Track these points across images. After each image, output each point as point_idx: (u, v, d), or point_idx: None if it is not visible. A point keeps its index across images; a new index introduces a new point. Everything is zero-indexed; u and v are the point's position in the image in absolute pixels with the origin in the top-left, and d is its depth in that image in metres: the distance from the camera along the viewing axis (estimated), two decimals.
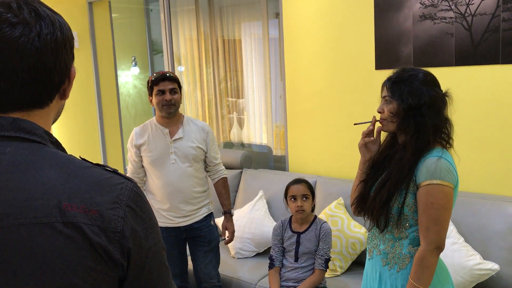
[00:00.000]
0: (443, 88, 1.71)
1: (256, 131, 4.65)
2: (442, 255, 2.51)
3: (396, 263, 1.70)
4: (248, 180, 3.73)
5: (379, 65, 3.22)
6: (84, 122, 4.86)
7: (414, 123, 1.64)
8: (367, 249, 1.85)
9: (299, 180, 2.78)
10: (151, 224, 0.82)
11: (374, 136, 1.83)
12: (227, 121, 4.88)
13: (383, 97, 1.73)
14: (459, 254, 2.55)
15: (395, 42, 3.15)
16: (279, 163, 4.18)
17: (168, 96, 2.69)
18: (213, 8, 4.74)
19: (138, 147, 2.80)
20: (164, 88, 2.69)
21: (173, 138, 2.75)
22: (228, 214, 2.92)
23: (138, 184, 2.84)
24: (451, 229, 2.65)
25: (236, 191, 3.77)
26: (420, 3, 3.02)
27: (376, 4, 3.20)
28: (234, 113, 4.84)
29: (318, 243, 2.67)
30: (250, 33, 4.65)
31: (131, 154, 2.84)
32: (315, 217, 2.77)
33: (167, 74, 2.72)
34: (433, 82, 1.70)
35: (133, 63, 5.71)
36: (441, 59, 2.98)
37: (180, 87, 2.78)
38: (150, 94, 2.75)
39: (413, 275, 1.62)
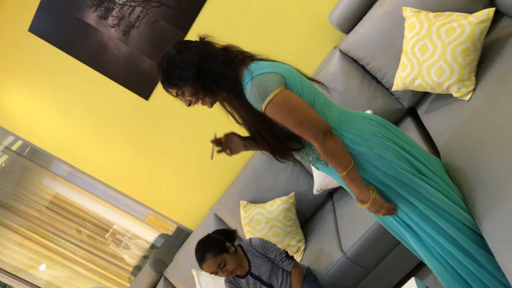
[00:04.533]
0: None
1: None
2: None
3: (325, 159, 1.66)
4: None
5: (145, 94, 3.10)
6: None
7: (210, 80, 1.57)
8: (313, 166, 1.84)
9: (202, 256, 2.32)
10: None
11: (224, 143, 1.78)
12: None
13: (177, 96, 1.64)
14: None
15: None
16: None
17: None
18: None
19: None
20: None
21: None
22: None
23: None
24: None
25: None
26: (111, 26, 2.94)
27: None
28: None
29: (268, 257, 2.47)
30: None
31: None
32: (240, 246, 2.48)
33: None
34: (184, 44, 1.62)
35: None
36: None
37: None
38: None
39: (334, 168, 1.59)
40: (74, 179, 4.12)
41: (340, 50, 2.69)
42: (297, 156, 1.76)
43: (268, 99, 1.48)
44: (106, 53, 3.00)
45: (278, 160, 1.74)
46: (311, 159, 1.71)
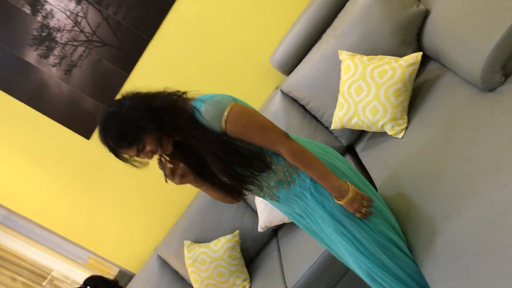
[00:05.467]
0: None
1: None
2: None
3: (290, 174, 1.64)
4: None
5: (86, 134, 3.04)
6: None
7: (167, 115, 1.50)
8: (270, 199, 1.73)
9: None
10: None
11: (177, 169, 1.67)
12: None
13: (137, 152, 1.55)
14: None
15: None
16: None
17: None
18: None
19: None
20: None
21: None
22: None
23: None
24: None
25: None
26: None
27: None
28: None
29: None
30: None
31: None
32: None
33: None
34: (117, 101, 1.55)
35: None
36: None
37: None
38: None
39: (307, 171, 1.58)
40: (9, 223, 3.90)
41: (281, 91, 2.78)
42: (254, 193, 1.72)
43: (227, 111, 1.48)
44: (46, 92, 2.94)
45: (232, 196, 1.72)
46: (272, 184, 1.65)
